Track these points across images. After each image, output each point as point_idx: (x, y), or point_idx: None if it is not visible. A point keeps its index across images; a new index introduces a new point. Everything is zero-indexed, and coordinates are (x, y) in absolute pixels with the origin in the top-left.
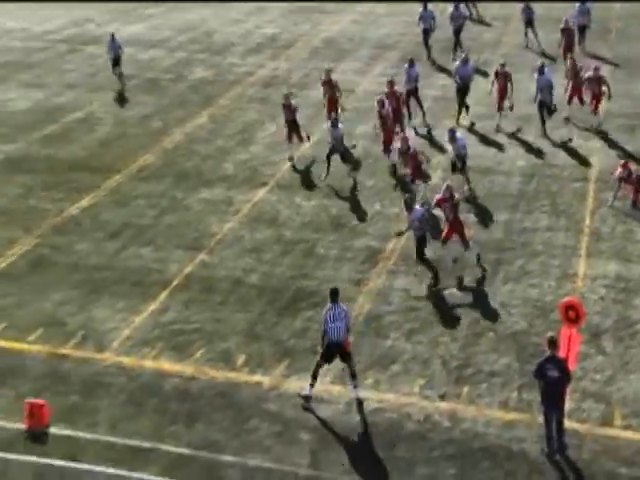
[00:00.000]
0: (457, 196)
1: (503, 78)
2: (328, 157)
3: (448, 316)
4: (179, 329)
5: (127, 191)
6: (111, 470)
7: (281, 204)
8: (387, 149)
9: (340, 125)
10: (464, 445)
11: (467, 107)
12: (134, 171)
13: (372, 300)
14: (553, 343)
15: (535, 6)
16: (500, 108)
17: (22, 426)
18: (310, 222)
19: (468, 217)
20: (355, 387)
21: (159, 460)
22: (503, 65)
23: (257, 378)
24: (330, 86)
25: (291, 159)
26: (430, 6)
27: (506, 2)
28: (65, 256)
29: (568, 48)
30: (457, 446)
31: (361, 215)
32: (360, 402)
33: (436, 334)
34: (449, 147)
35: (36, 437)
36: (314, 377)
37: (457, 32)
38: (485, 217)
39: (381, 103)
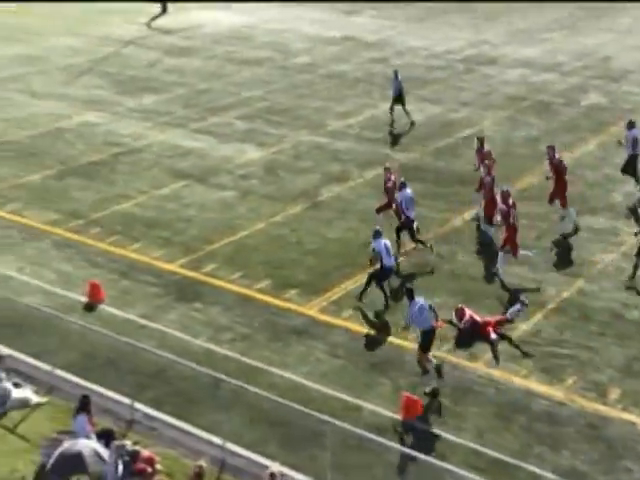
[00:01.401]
0: None
1: None
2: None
3: None
4: (551, 352)
5: None
6: (474, 477)
7: None
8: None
9: (408, 190)
10: None
11: None
12: (516, 190)
13: None
14: None
15: None
16: None
17: (397, 416)
18: None
19: None
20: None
21: (522, 478)
22: None
23: (631, 417)
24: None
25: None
26: None
27: None
28: (446, 264)
29: None
30: None
31: None
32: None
33: None
34: None
35: (409, 429)
36: (437, 372)
37: None
38: None
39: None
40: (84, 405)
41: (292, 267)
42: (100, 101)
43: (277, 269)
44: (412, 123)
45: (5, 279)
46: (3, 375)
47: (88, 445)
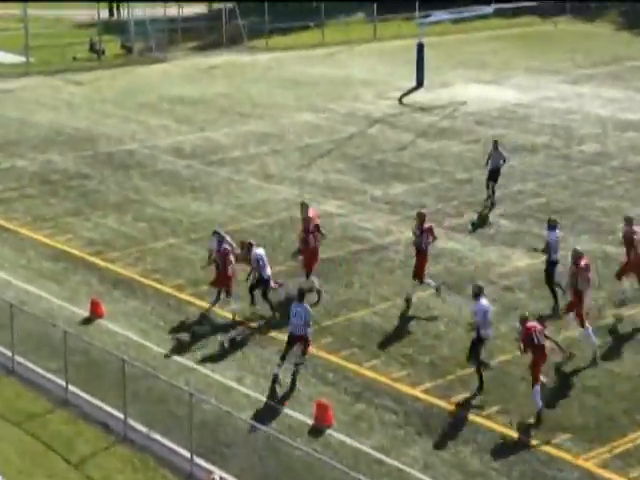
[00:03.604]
0: None
1: None
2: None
3: None
4: None
5: None
6: None
7: None
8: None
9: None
10: None
11: None
12: None
13: None
14: None
15: None
16: None
17: None
18: None
19: None
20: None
21: None
22: None
23: None
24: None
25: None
26: None
27: None
28: None
29: None
30: None
31: None
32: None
33: None
34: None
35: None
36: (282, 359)
37: None
38: None
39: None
40: None
41: (566, 406)
42: (341, 188)
43: (547, 407)
44: (492, 204)
45: (225, 390)
46: None
47: None
